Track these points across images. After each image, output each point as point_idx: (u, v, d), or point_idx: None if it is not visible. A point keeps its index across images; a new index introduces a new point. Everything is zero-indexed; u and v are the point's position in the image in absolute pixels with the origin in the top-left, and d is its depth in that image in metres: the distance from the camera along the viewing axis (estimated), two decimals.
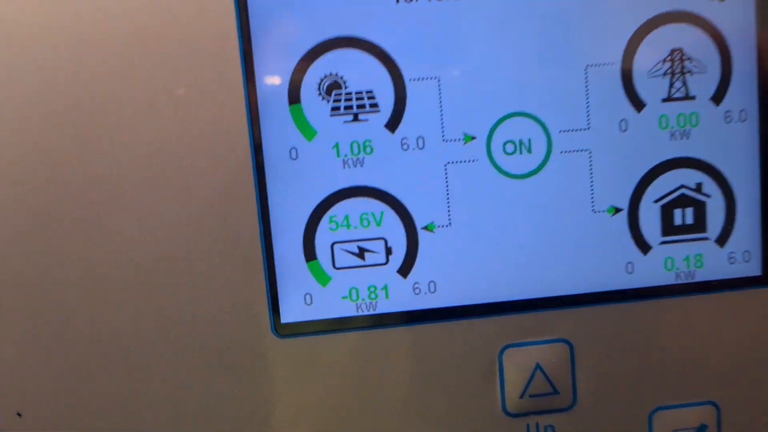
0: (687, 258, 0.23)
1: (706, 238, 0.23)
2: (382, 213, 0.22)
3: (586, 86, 0.22)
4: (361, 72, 0.22)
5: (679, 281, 0.23)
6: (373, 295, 0.22)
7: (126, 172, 0.20)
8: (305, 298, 0.22)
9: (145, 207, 0.21)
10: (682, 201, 0.23)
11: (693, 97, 0.23)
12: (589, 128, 0.22)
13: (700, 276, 0.23)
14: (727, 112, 0.23)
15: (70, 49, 0.20)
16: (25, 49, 0.20)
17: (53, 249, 0.20)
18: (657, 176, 0.23)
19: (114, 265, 0.21)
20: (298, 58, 0.21)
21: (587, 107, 0.22)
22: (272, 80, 0.21)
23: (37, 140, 0.20)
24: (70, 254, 0.20)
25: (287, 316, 0.22)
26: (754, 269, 0.23)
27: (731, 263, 0.23)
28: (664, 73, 0.22)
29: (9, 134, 0.20)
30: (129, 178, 0.20)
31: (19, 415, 0.21)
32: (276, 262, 0.22)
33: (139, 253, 0.21)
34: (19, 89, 0.20)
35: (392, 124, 0.22)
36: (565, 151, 0.22)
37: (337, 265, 0.22)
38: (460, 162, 0.22)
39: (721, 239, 0.23)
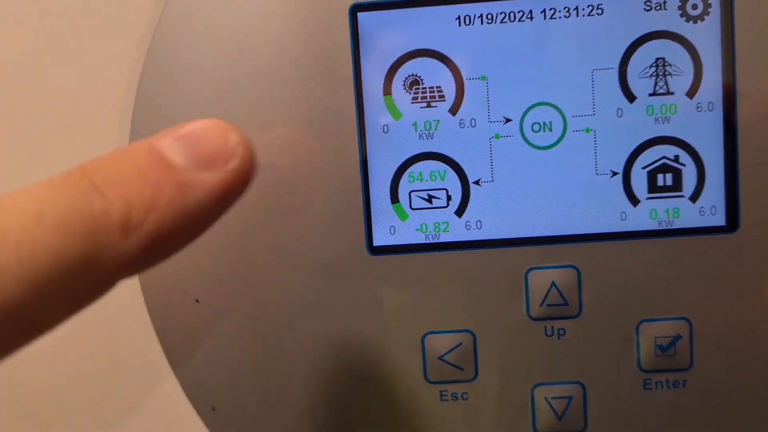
0: (667, 210, 0.28)
1: (682, 196, 0.28)
2: (445, 171, 0.28)
3: (593, 84, 0.28)
4: (432, 73, 0.28)
5: (661, 227, 0.28)
6: (437, 229, 0.28)
7: (274, 135, 0.29)
8: (390, 229, 0.29)
9: (286, 167, 0.28)
10: (664, 168, 0.28)
11: (672, 93, 0.27)
12: (594, 114, 0.28)
13: (677, 224, 0.28)
14: (699, 103, 0.27)
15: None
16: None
17: None
18: (645, 149, 0.28)
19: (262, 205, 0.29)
20: (391, 63, 0.28)
21: (593, 99, 0.28)
22: (374, 78, 0.28)
23: None
24: None
25: (378, 240, 0.29)
26: (719, 220, 0.28)
27: (701, 215, 0.28)
28: (651, 75, 0.27)
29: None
30: (273, 136, 0.29)
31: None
32: (372, 203, 0.28)
33: (278, 196, 0.29)
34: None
35: (453, 109, 0.28)
36: (577, 130, 0.28)
37: (413, 207, 0.28)
38: (501, 137, 0.28)
39: (694, 197, 0.28)
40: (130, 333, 0.31)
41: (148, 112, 0.29)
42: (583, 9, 0.28)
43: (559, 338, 0.29)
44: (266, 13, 0.28)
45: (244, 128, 0.27)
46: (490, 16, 0.28)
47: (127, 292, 0.30)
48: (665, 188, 0.28)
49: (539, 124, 0.28)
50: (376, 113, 0.28)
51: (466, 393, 0.29)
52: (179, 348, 0.30)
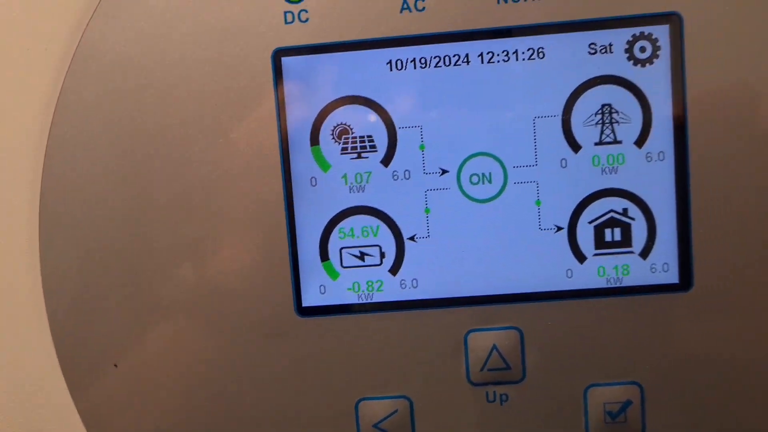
0: (616, 267, 0.26)
1: (631, 252, 0.26)
2: (378, 226, 0.27)
3: (534, 132, 0.26)
4: (363, 121, 0.26)
5: (609, 285, 0.26)
6: (370, 288, 0.27)
7: (195, 188, 0.26)
8: (320, 288, 0.27)
9: (212, 217, 0.26)
10: (612, 222, 0.26)
11: (620, 142, 0.26)
12: (536, 165, 0.26)
13: (627, 282, 0.26)
14: (648, 153, 0.26)
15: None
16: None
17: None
18: (591, 202, 0.26)
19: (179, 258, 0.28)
20: (318, 111, 0.26)
21: (535, 148, 0.26)
22: (300, 127, 0.26)
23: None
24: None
25: (307, 300, 0.27)
26: (672, 278, 0.26)
27: (653, 272, 0.26)
28: (596, 123, 0.26)
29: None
30: (198, 191, 0.26)
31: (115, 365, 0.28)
32: (300, 261, 0.27)
33: (205, 251, 0.27)
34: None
35: (386, 160, 0.26)
36: (518, 182, 0.26)
37: (344, 265, 0.27)
38: (437, 189, 0.26)
39: (644, 253, 0.26)
40: (46, 401, 0.29)
41: (59, 167, 0.27)
42: (523, 53, 0.26)
43: (501, 404, 0.27)
44: (186, 58, 0.26)
45: (161, 183, 0.26)
46: (423, 61, 0.26)
47: (42, 356, 0.28)
48: (614, 244, 0.27)
49: (478, 175, 0.26)
50: (303, 165, 0.27)
51: None
52: (98, 416, 0.28)
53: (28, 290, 0.28)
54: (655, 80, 0.26)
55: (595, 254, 0.27)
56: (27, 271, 0.28)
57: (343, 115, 0.26)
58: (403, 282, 0.27)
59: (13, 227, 0.28)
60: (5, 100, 0.27)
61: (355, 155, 0.27)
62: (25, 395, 0.29)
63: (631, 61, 0.26)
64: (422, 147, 0.27)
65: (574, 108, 0.26)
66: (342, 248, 0.27)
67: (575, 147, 0.26)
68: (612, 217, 0.26)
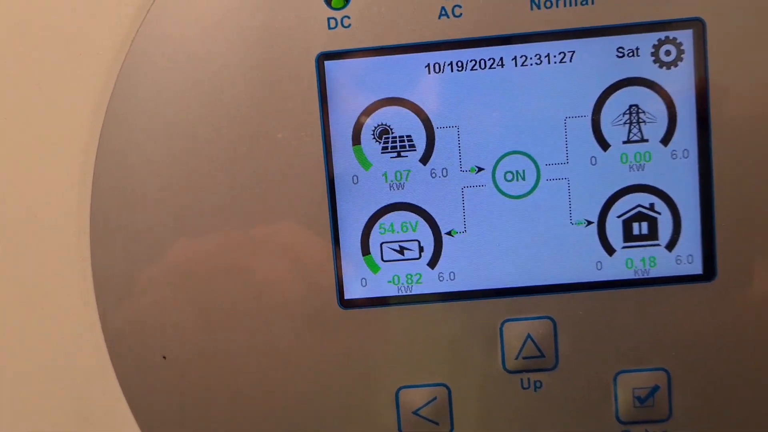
0: (643, 259, 0.27)
1: (658, 245, 0.27)
2: (417, 222, 0.28)
3: (566, 132, 0.27)
4: (403, 122, 0.27)
5: (637, 276, 0.27)
6: (409, 281, 0.28)
7: (243, 187, 0.27)
8: (361, 282, 0.28)
9: (258, 215, 0.27)
10: (639, 216, 0.27)
11: (647, 140, 0.27)
12: (567, 162, 0.27)
13: (653, 273, 0.27)
14: (673, 151, 0.27)
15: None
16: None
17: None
18: (619, 198, 0.27)
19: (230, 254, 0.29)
20: (359, 112, 0.27)
21: (566, 147, 0.27)
22: (342, 127, 0.27)
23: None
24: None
25: (349, 293, 0.28)
26: (696, 269, 0.27)
27: (678, 264, 0.27)
28: (624, 123, 0.27)
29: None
30: (246, 190, 0.27)
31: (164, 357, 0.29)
32: (342, 256, 0.28)
33: (251, 248, 0.28)
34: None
35: (424, 159, 0.27)
36: (550, 179, 0.27)
37: (385, 259, 0.28)
38: (473, 186, 0.27)
39: (670, 246, 0.27)
40: (96, 391, 0.30)
41: (109, 167, 0.28)
42: (555, 56, 0.27)
43: (535, 391, 0.28)
44: (231, 64, 0.27)
45: (210, 183, 0.27)
46: (460, 64, 0.27)
47: (92, 349, 0.29)
48: (641, 237, 0.28)
49: (512, 173, 0.28)
50: (345, 163, 0.28)
51: None
52: (147, 406, 0.29)
53: (78, 284, 0.29)
54: (680, 82, 0.27)
55: (624, 247, 0.28)
56: (77, 265, 0.29)
57: (383, 116, 0.28)
58: (441, 275, 0.28)
59: (65, 225, 0.29)
60: (58, 102, 0.28)
61: (395, 154, 0.28)
62: (75, 386, 0.30)
63: (657, 64, 0.27)
64: (459, 146, 0.28)
65: (603, 108, 0.27)
66: (382, 243, 0.28)
67: (604, 145, 0.27)
68: (639, 212, 0.27)
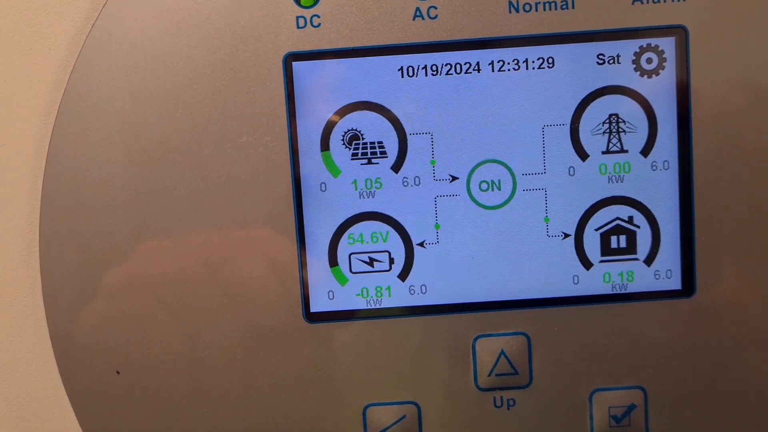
0: (621, 274, 0.27)
1: (636, 259, 0.27)
2: (387, 232, 0.27)
3: (543, 141, 0.26)
4: (374, 128, 0.26)
5: (615, 291, 0.27)
6: (379, 294, 0.27)
7: (204, 193, 0.26)
8: (328, 294, 0.27)
9: (220, 222, 0.26)
10: (617, 230, 0.27)
11: (626, 151, 0.26)
12: (545, 172, 0.26)
13: (631, 288, 0.27)
14: (653, 162, 0.26)
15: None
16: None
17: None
18: (597, 210, 0.27)
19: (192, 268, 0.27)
20: (328, 116, 0.26)
21: (544, 156, 0.26)
22: (310, 132, 0.26)
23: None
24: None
25: (315, 306, 0.27)
26: (675, 284, 0.27)
27: (657, 279, 0.27)
28: (604, 132, 0.26)
29: None
30: (207, 195, 0.26)
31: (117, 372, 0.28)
32: (308, 267, 0.27)
33: (214, 256, 0.26)
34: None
35: (396, 166, 0.26)
36: (527, 189, 0.26)
37: (353, 270, 0.27)
38: (447, 196, 0.26)
39: (648, 260, 0.27)
40: (45, 410, 0.28)
41: (61, 170, 0.26)
42: (533, 62, 0.26)
43: (508, 409, 0.27)
44: (193, 62, 0.26)
45: (170, 189, 0.26)
46: (434, 68, 0.26)
47: (41, 364, 0.28)
48: (619, 251, 0.27)
49: (487, 182, 0.27)
50: (313, 170, 0.27)
51: None
52: (99, 425, 0.27)
53: (27, 296, 0.28)
54: (661, 91, 0.26)
55: (602, 261, 0.27)
56: (26, 277, 0.27)
57: (353, 120, 0.26)
58: (411, 288, 0.27)
59: (12, 231, 0.27)
60: (7, 102, 0.27)
61: (366, 161, 0.27)
62: (23, 403, 0.28)
63: (638, 72, 0.26)
64: (432, 154, 0.27)
65: (582, 117, 0.26)
66: (351, 254, 0.27)
67: (583, 155, 0.27)
68: (618, 225, 0.27)
